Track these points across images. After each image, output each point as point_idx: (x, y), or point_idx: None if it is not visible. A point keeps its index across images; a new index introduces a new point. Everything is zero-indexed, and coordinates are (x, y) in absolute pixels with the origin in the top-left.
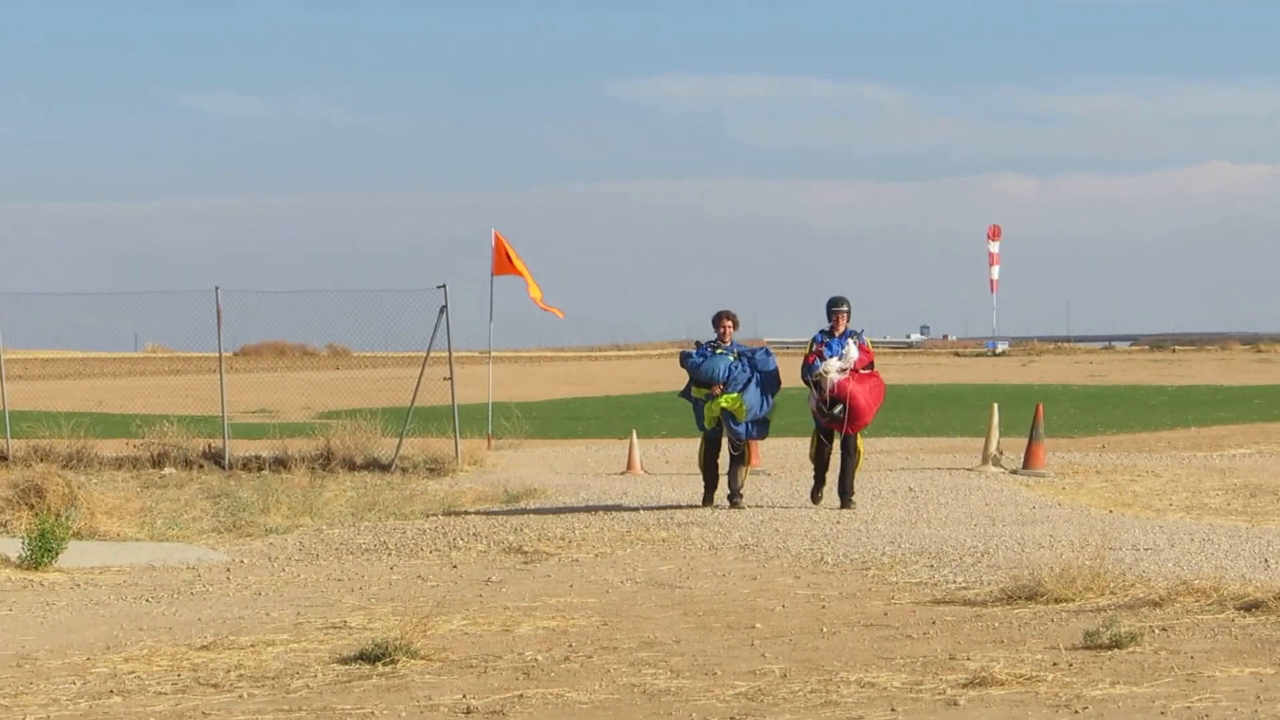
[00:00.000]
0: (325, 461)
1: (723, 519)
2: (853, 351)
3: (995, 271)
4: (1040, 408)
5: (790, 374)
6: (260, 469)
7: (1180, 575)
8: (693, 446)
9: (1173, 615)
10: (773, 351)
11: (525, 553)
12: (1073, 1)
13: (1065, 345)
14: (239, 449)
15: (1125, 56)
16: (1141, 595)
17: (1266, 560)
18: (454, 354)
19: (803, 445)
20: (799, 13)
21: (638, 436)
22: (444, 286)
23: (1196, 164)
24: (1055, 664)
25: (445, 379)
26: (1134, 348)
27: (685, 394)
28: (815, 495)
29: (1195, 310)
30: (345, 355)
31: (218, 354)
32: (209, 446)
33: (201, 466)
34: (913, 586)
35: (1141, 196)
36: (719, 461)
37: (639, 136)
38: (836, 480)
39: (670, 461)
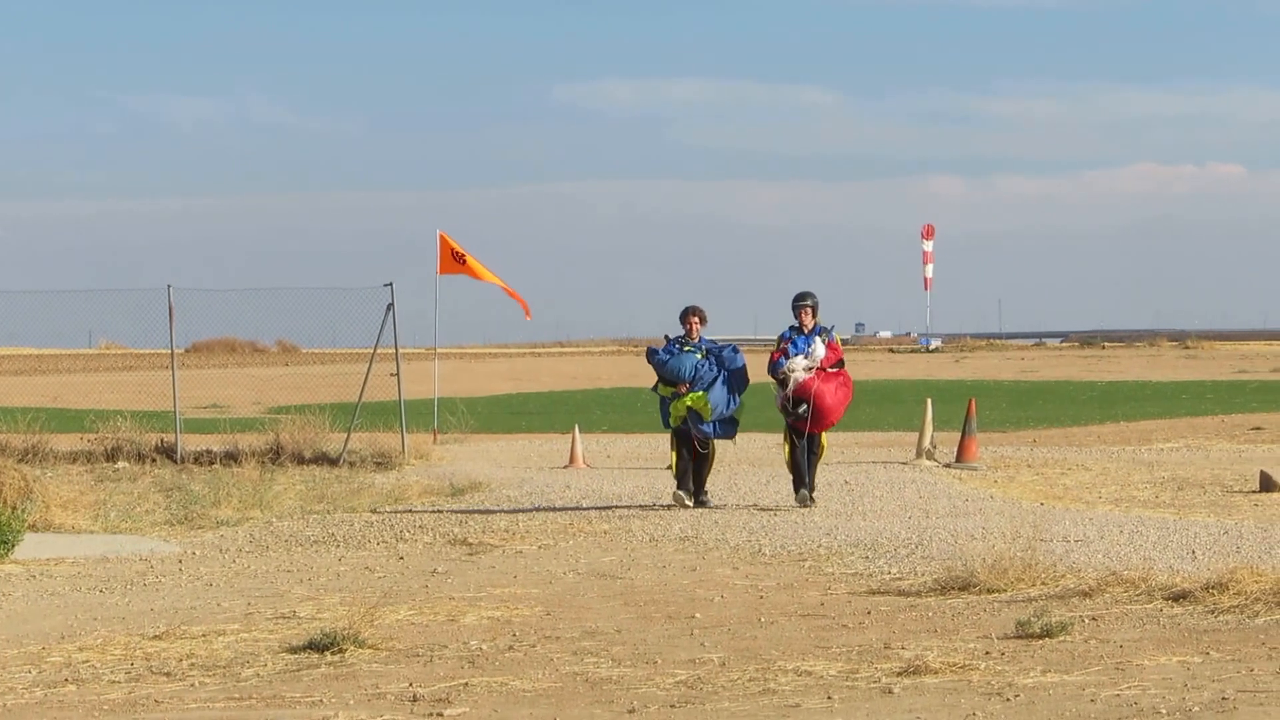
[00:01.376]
0: (275, 456)
1: (662, 511)
2: (819, 349)
3: (929, 270)
4: (973, 403)
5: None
6: (211, 463)
7: (1110, 566)
8: (634, 441)
9: (1102, 605)
10: (740, 349)
11: (470, 544)
12: (1003, 6)
13: (997, 342)
14: (191, 443)
15: (1055, 60)
16: (1072, 586)
17: (1193, 552)
18: (400, 350)
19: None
20: (736, 18)
21: (580, 431)
22: (390, 285)
23: (1125, 165)
24: (988, 653)
25: (392, 375)
26: (1064, 344)
27: (655, 390)
28: (799, 499)
29: (1125, 307)
30: (294, 352)
31: (170, 351)
32: (161, 441)
33: (154, 461)
34: (848, 577)
35: (1071, 196)
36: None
37: (581, 138)
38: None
39: (612, 456)
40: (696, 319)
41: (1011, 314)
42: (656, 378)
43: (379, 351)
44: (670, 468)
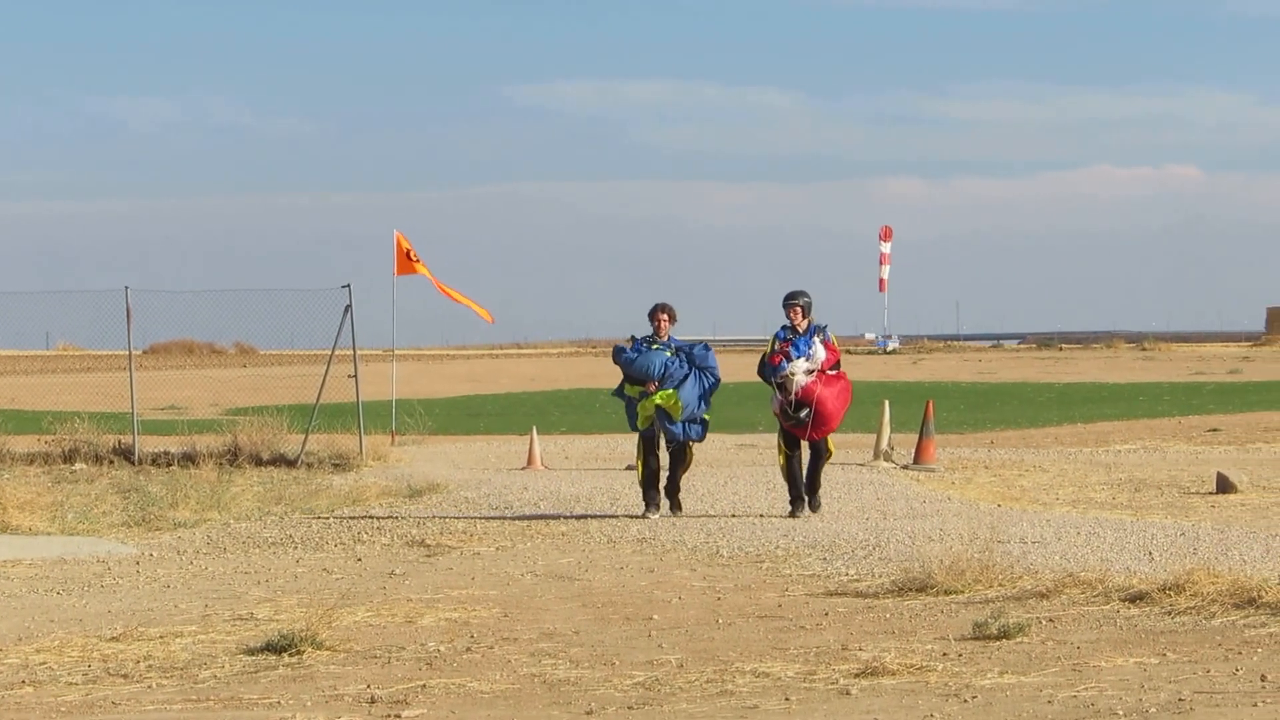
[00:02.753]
0: (233, 457)
1: (620, 512)
2: (820, 351)
3: (885, 271)
4: (930, 404)
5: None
6: (169, 464)
7: (1066, 568)
8: (592, 442)
9: (1059, 606)
10: (712, 347)
11: (428, 546)
12: (962, 8)
13: (955, 343)
14: (148, 445)
15: (1013, 62)
16: (1029, 587)
17: (1150, 553)
18: (358, 352)
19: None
20: (694, 18)
21: (538, 433)
22: (348, 286)
23: (1082, 167)
24: (945, 654)
25: (350, 376)
26: (1022, 346)
27: (618, 392)
28: (795, 511)
29: (1082, 309)
30: (252, 353)
31: (127, 352)
32: (119, 442)
33: (112, 462)
34: (806, 579)
35: (1028, 198)
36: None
37: (539, 139)
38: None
39: (570, 457)
40: (665, 316)
41: (969, 315)
42: (621, 379)
43: (337, 353)
44: (634, 470)
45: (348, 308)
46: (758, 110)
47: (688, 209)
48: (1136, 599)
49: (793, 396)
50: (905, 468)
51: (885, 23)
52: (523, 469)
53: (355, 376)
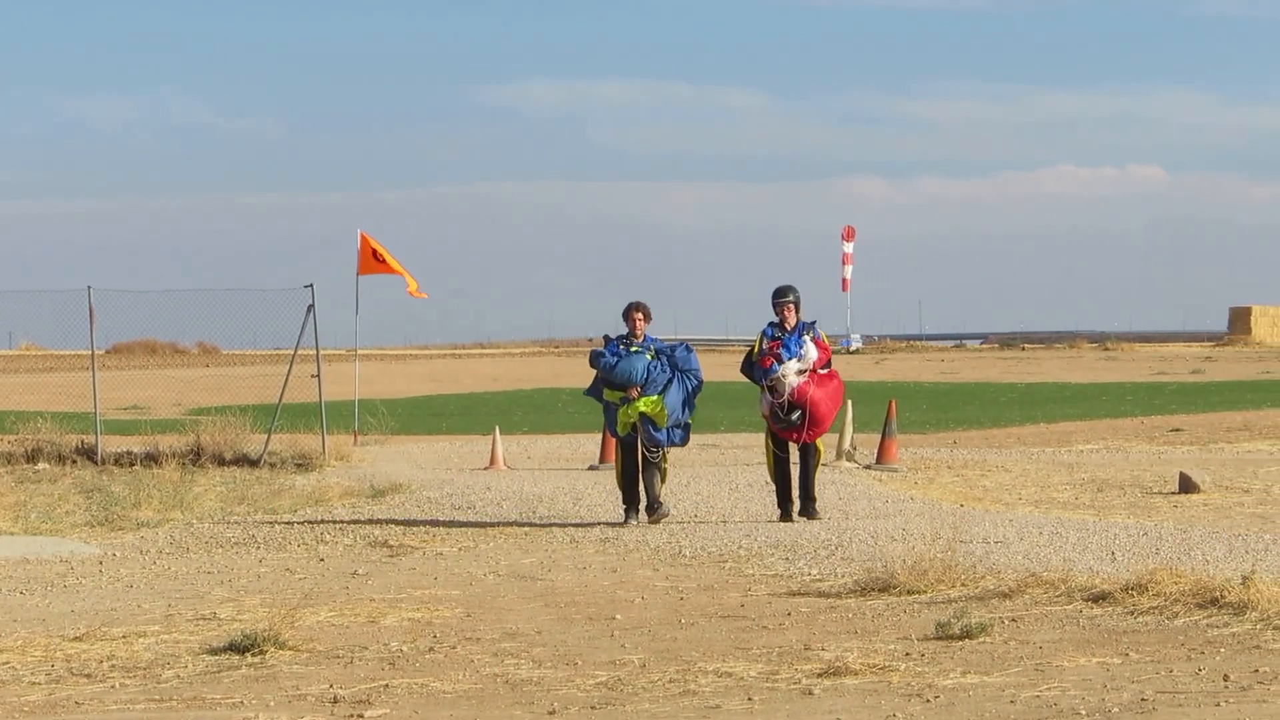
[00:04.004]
0: (195, 457)
1: (583, 512)
2: (811, 350)
3: (848, 271)
4: (893, 404)
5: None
6: (132, 464)
7: (1029, 567)
8: (555, 442)
9: (1022, 606)
10: (694, 348)
11: (390, 546)
12: (927, 7)
13: (917, 343)
14: (111, 444)
15: (975, 62)
16: (992, 587)
17: (1113, 553)
18: (321, 352)
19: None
20: (659, 18)
21: (500, 432)
22: (311, 286)
23: (1045, 167)
24: (908, 654)
25: (312, 376)
26: (984, 345)
27: (593, 393)
28: (784, 515)
29: (1045, 309)
30: (215, 353)
31: (90, 352)
32: (82, 442)
33: (74, 462)
34: (768, 578)
35: (992, 198)
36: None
37: (503, 139)
38: (797, 487)
39: (532, 457)
40: (640, 315)
41: (932, 315)
42: (593, 379)
43: (299, 353)
44: (597, 470)
45: (310, 307)
46: (722, 110)
47: (652, 209)
48: (1099, 599)
49: (785, 399)
50: (868, 468)
51: (849, 23)
52: (485, 469)
53: (318, 376)
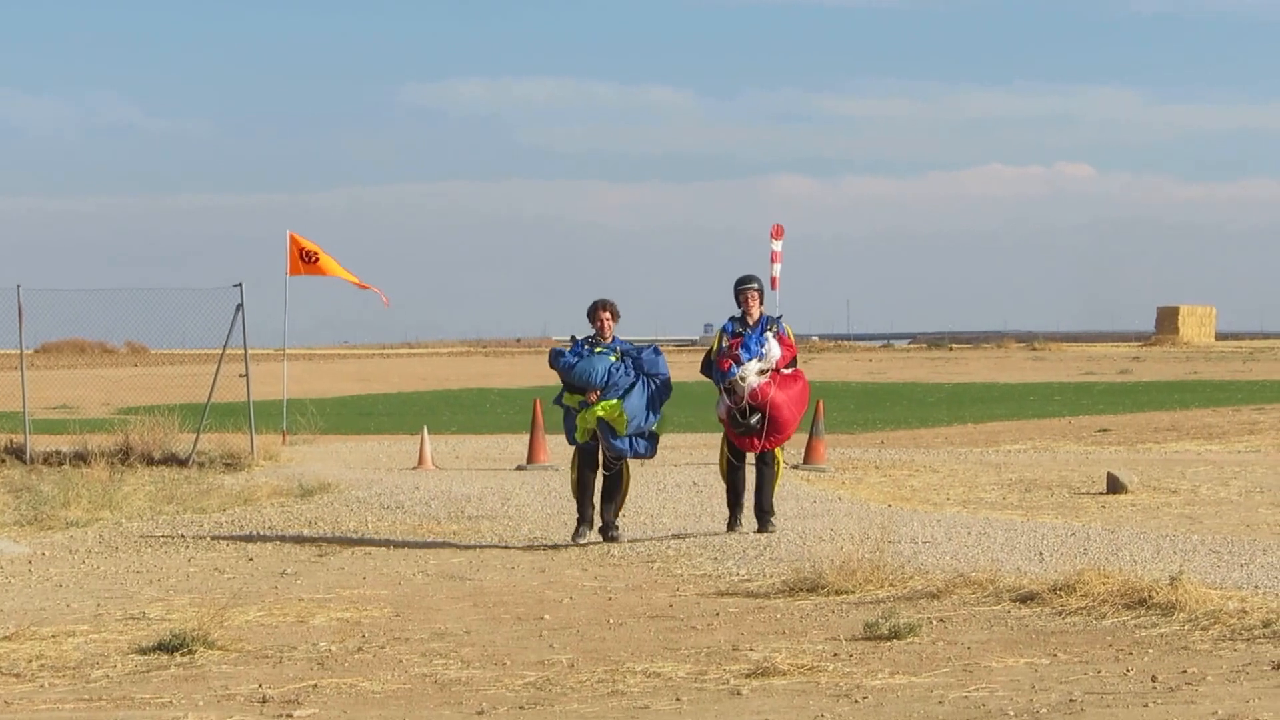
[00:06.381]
0: (124, 456)
1: (511, 512)
2: (774, 349)
3: (777, 269)
4: (821, 404)
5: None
6: (61, 463)
7: (957, 568)
8: (483, 442)
9: (950, 607)
10: (662, 350)
11: (319, 546)
12: (854, 6)
13: (845, 343)
14: (40, 444)
15: (903, 60)
16: (920, 587)
17: (1041, 553)
18: (249, 351)
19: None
20: (585, 16)
21: (429, 432)
22: (240, 285)
23: (972, 166)
24: (836, 654)
25: (241, 376)
26: (912, 345)
27: (558, 401)
28: (732, 523)
29: (972, 309)
30: (144, 352)
31: (19, 351)
32: (10, 441)
33: (3, 461)
34: (697, 579)
35: (920, 197)
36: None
37: (430, 139)
38: (751, 499)
39: (460, 457)
40: (607, 314)
41: (860, 315)
42: (561, 386)
43: (228, 352)
44: (524, 470)
45: (239, 307)
46: (649, 109)
47: (578, 208)
48: (1027, 599)
49: (744, 403)
50: (795, 468)
51: (776, 21)
52: (414, 469)
53: (246, 376)
